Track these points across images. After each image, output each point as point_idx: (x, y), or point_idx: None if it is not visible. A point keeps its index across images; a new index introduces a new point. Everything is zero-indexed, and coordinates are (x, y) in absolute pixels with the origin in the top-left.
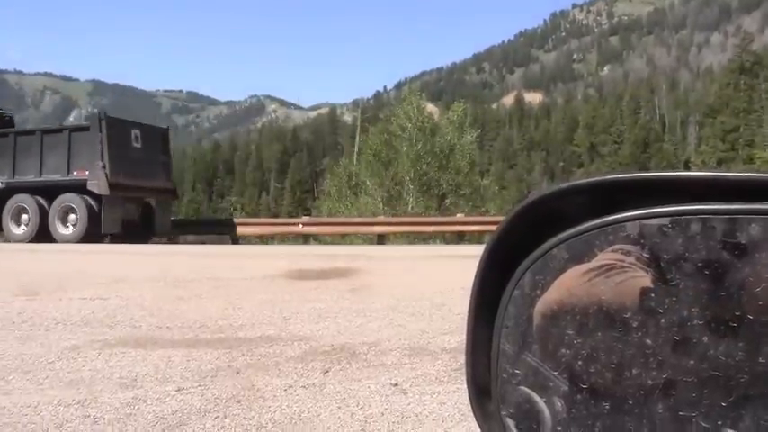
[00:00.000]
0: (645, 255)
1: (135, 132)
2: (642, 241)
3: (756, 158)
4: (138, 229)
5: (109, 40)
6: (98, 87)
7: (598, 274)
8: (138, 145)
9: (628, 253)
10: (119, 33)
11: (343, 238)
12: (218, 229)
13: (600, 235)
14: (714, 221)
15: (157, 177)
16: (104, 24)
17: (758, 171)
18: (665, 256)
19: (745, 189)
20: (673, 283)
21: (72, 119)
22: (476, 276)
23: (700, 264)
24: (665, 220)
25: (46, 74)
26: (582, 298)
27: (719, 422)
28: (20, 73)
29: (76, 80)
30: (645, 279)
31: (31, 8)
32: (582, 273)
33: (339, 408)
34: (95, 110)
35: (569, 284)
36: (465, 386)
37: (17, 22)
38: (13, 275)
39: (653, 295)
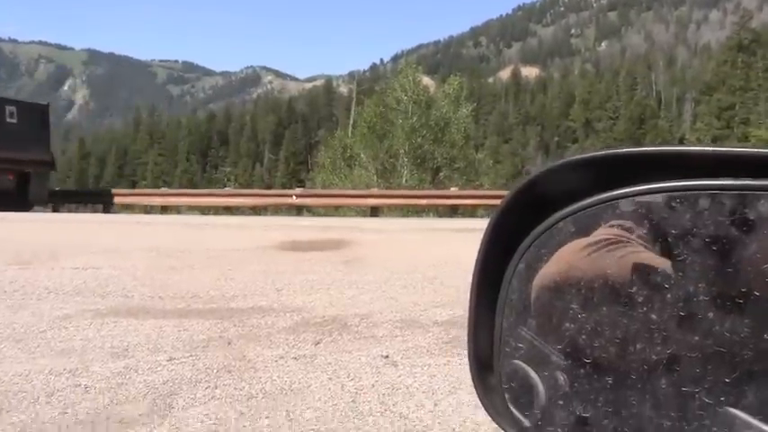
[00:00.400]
0: (653, 229)
1: (9, 109)
2: (651, 215)
3: (751, 136)
4: (14, 198)
5: (105, 8)
6: (93, 56)
7: (599, 248)
8: (13, 120)
9: (630, 229)
10: (114, 1)
11: (336, 210)
12: (96, 200)
13: (608, 209)
14: (723, 197)
15: (33, 150)
16: None
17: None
18: (673, 231)
19: (754, 165)
20: (680, 259)
21: (66, 87)
22: (479, 251)
23: (707, 239)
24: (674, 195)
25: (41, 42)
26: (583, 272)
27: (722, 398)
28: (14, 41)
29: (71, 49)
30: (647, 254)
31: None
32: (582, 247)
33: (330, 379)
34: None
35: (569, 258)
36: (455, 359)
37: None
38: (5, 244)
39: (658, 270)
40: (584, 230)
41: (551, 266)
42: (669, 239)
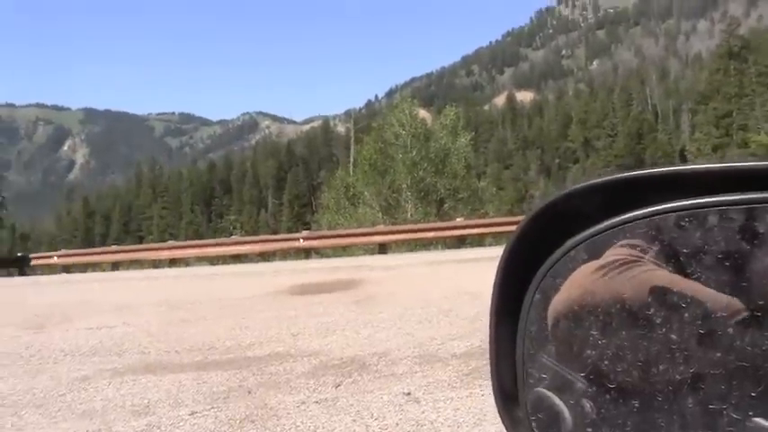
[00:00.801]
0: (664, 250)
1: None
2: (661, 236)
3: (751, 142)
4: None
5: (98, 67)
6: (90, 115)
7: (610, 270)
8: None
9: (643, 249)
10: (108, 60)
11: (344, 250)
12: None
13: (618, 233)
14: (731, 212)
15: None
16: (93, 52)
17: None
18: (685, 250)
19: (759, 178)
20: (694, 277)
21: (66, 148)
22: (495, 281)
23: (719, 255)
24: (683, 214)
25: (38, 105)
26: (599, 296)
27: (750, 412)
28: (11, 106)
29: (68, 109)
30: (661, 272)
31: (17, 40)
32: (594, 270)
33: (354, 421)
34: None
35: (582, 282)
36: (477, 390)
37: (4, 55)
38: (17, 309)
39: (673, 288)
40: (596, 256)
41: (565, 293)
42: (681, 258)
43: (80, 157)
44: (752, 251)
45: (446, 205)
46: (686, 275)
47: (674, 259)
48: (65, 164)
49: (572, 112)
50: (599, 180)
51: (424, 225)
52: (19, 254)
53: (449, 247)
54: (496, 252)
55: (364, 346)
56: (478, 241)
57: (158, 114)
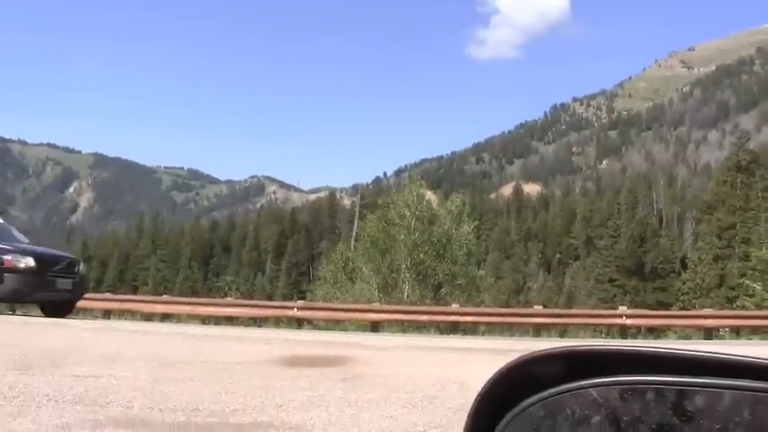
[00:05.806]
0: (608, 417)
1: None
2: (607, 405)
3: (753, 256)
4: None
5: (112, 114)
6: (99, 160)
7: None
8: None
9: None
10: (122, 109)
11: (337, 324)
12: None
13: (572, 397)
14: (666, 391)
15: None
16: (107, 99)
17: (705, 351)
18: (625, 418)
19: (692, 364)
20: None
21: (72, 190)
22: (465, 426)
23: (653, 426)
24: (626, 387)
25: (49, 144)
26: None
27: None
28: (23, 142)
29: (79, 152)
30: None
31: (33, 79)
32: None
33: None
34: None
35: None
36: None
37: (20, 92)
38: (5, 349)
39: None
40: (552, 415)
41: None
42: (622, 425)
43: (84, 201)
44: (680, 427)
45: (443, 290)
46: None
47: (615, 425)
48: (69, 206)
49: (577, 209)
50: (558, 350)
51: (420, 308)
52: None
53: (442, 332)
54: (488, 343)
55: (347, 425)
56: (472, 329)
57: (167, 168)
